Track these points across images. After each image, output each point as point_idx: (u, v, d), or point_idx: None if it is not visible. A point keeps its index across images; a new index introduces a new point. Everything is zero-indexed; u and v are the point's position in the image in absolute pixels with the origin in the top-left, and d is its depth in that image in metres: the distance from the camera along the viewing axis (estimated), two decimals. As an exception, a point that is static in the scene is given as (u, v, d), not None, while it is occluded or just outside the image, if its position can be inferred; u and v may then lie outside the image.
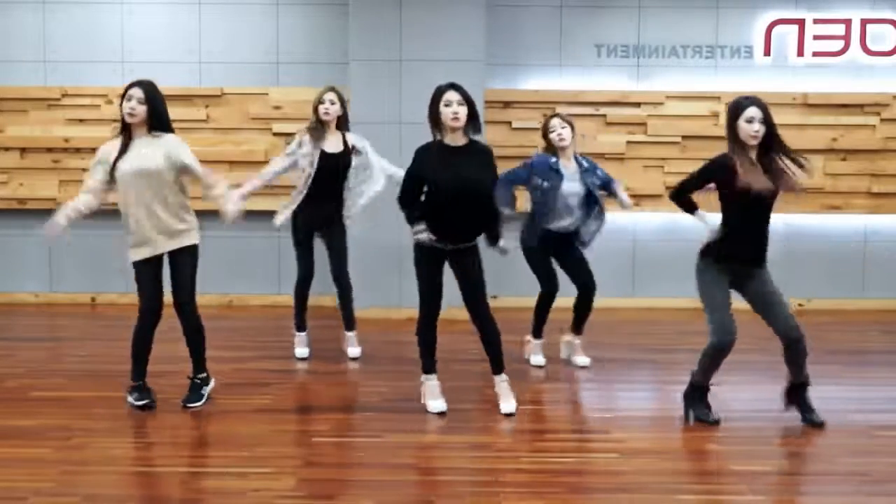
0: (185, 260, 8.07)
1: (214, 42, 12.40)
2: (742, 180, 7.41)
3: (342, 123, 9.63)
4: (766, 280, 7.71)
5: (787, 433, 7.64)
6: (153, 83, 7.90)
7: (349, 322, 9.96)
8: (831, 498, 6.48)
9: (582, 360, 9.68)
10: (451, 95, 7.71)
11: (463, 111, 7.68)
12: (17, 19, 12.41)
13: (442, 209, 7.79)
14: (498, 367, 8.19)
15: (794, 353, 7.74)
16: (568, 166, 9.20)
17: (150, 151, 7.79)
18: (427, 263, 7.96)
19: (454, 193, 7.73)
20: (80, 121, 12.29)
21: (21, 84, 12.38)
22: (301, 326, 9.98)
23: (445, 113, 7.71)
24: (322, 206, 9.59)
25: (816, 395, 8.02)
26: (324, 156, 9.48)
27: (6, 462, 6.82)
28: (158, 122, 7.86)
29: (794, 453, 7.28)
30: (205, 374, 8.28)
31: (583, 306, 9.63)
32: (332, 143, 9.54)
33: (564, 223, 9.28)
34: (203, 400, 8.13)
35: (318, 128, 9.53)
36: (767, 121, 7.47)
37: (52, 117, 12.35)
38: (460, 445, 7.36)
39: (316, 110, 9.56)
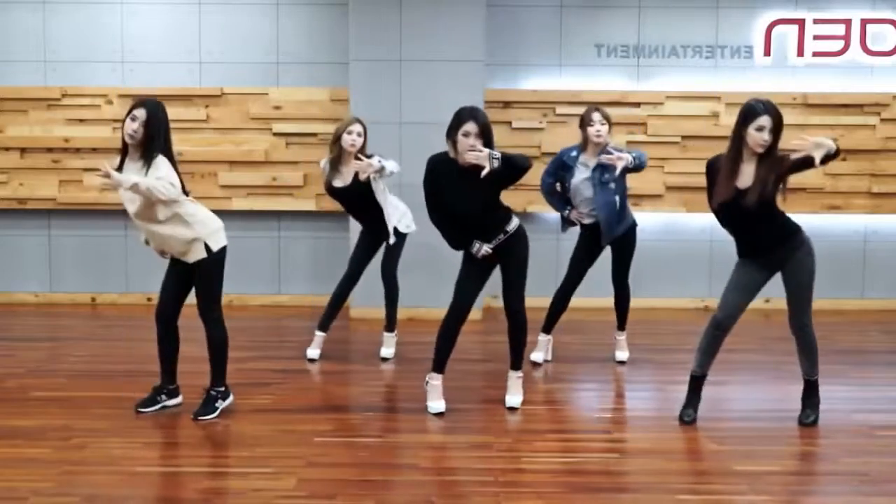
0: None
1: (214, 42, 12.39)
2: (716, 189, 7.48)
3: (361, 152, 9.38)
4: (798, 270, 7.80)
5: (789, 433, 7.64)
6: (159, 104, 7.60)
7: (388, 323, 10.03)
8: (832, 498, 6.49)
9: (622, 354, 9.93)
10: (470, 127, 7.66)
11: (480, 145, 7.64)
12: (16, 19, 12.40)
13: (458, 223, 7.99)
14: (515, 363, 8.33)
15: (798, 345, 7.82)
16: (590, 161, 9.26)
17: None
18: (468, 262, 8.09)
19: (464, 212, 7.91)
20: (80, 121, 12.28)
21: (21, 84, 12.37)
22: (324, 326, 9.93)
23: (462, 142, 7.69)
24: (366, 221, 9.72)
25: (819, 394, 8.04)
26: (333, 190, 9.52)
27: (6, 462, 6.82)
28: (150, 149, 7.46)
29: (794, 453, 7.27)
30: (223, 388, 8.11)
31: (616, 305, 9.91)
32: (342, 178, 9.45)
33: (589, 217, 9.39)
34: (215, 413, 7.99)
35: (336, 158, 9.43)
36: (776, 130, 7.40)
37: (52, 117, 12.34)
38: (461, 445, 7.37)
39: (339, 139, 9.40)
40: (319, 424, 7.81)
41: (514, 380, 8.32)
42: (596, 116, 9.23)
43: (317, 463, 6.92)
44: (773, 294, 12.34)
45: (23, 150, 12.35)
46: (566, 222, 9.53)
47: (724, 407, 8.19)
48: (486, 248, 7.90)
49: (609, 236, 9.38)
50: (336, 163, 9.45)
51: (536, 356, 9.78)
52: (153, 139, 7.44)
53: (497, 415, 8.07)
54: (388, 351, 9.90)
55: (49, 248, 12.62)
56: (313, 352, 9.87)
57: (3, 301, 12.55)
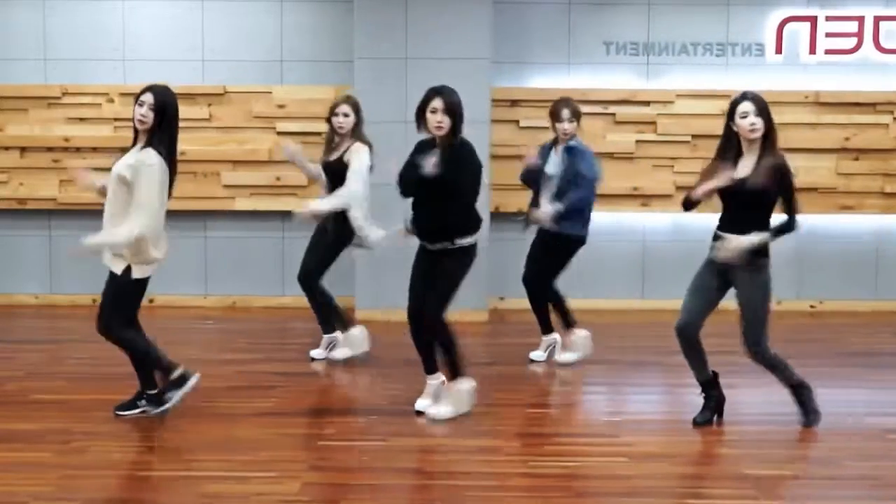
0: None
1: (217, 39, 12.41)
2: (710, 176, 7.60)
3: (355, 133, 9.57)
4: (745, 285, 7.65)
5: (800, 436, 7.65)
6: (167, 88, 7.66)
7: (338, 324, 9.94)
8: (843, 502, 6.49)
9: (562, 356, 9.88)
10: (437, 103, 7.76)
11: (447, 121, 7.73)
12: (16, 16, 12.42)
13: (414, 206, 8.03)
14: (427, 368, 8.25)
15: (762, 365, 7.82)
16: (558, 151, 9.43)
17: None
18: (414, 265, 8.13)
19: (417, 191, 7.95)
20: (81, 119, 12.30)
21: (21, 82, 12.39)
22: (343, 326, 9.93)
23: (430, 119, 7.77)
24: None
25: (829, 398, 8.04)
26: (325, 164, 9.63)
27: (6, 466, 6.83)
28: (158, 135, 7.49)
29: (805, 457, 7.29)
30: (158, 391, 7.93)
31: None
32: (336, 153, 9.57)
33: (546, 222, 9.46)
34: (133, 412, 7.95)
35: (331, 137, 9.64)
36: (762, 113, 7.46)
37: (53, 116, 12.36)
38: (467, 449, 7.37)
39: (329, 120, 9.65)
40: (323, 428, 7.84)
41: (429, 384, 8.25)
42: (565, 113, 9.37)
43: (320, 467, 6.94)
44: (784, 296, 12.39)
45: (23, 150, 12.38)
46: (527, 223, 9.66)
47: (734, 410, 8.18)
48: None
49: (541, 215, 9.42)
50: (329, 140, 9.71)
51: (535, 354, 9.83)
52: (161, 124, 7.50)
53: (504, 418, 8.08)
54: (315, 352, 9.88)
55: (49, 249, 12.63)
56: (342, 352, 9.89)
57: (2, 302, 12.56)
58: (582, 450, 7.37)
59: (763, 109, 7.45)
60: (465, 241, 7.91)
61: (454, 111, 7.76)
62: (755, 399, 8.35)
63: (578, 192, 9.25)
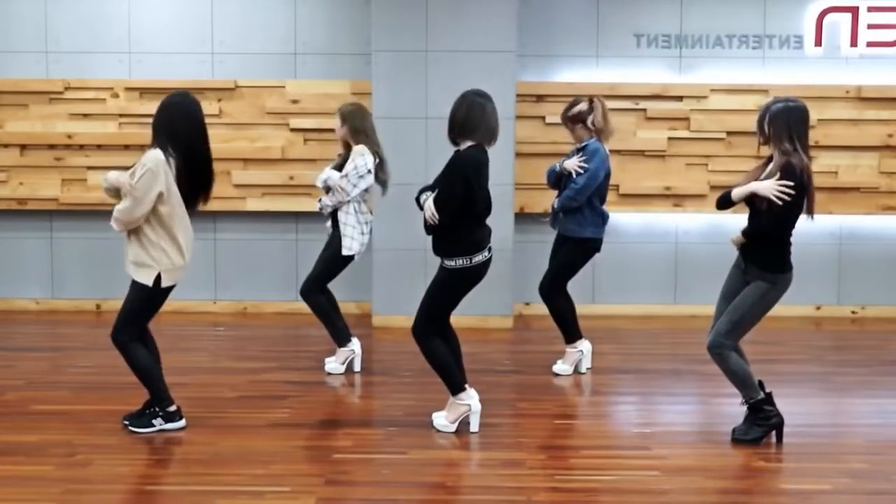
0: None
1: (228, 31, 12.40)
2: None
3: (356, 139, 9.58)
4: (744, 291, 7.62)
5: (842, 449, 7.61)
6: (173, 95, 7.95)
7: (332, 338, 9.91)
8: (889, 520, 6.48)
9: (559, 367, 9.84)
10: None
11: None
12: (17, 6, 12.43)
13: None
14: None
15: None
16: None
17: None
18: None
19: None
20: (84, 115, 12.30)
21: (21, 76, 12.39)
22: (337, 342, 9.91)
23: None
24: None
25: (873, 408, 7.99)
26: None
27: (6, 480, 6.83)
28: (161, 137, 7.81)
29: (848, 471, 7.22)
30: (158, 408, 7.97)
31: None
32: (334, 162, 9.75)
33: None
34: (148, 429, 7.90)
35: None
36: (761, 126, 7.41)
37: (54, 112, 12.36)
38: (490, 462, 7.36)
39: None
40: (339, 440, 7.82)
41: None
42: (565, 123, 9.56)
43: (336, 481, 6.91)
44: (824, 301, 12.35)
45: (23, 147, 12.39)
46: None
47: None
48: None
49: (553, 217, 9.61)
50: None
51: (558, 367, 9.76)
52: (154, 131, 7.80)
53: (529, 429, 8.07)
54: (333, 366, 9.79)
55: (51, 252, 12.66)
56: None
57: (2, 308, 12.60)
58: (612, 463, 7.35)
59: (762, 123, 7.40)
60: (451, 263, 7.72)
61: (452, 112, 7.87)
62: (794, 409, 8.30)
63: (566, 192, 9.34)
